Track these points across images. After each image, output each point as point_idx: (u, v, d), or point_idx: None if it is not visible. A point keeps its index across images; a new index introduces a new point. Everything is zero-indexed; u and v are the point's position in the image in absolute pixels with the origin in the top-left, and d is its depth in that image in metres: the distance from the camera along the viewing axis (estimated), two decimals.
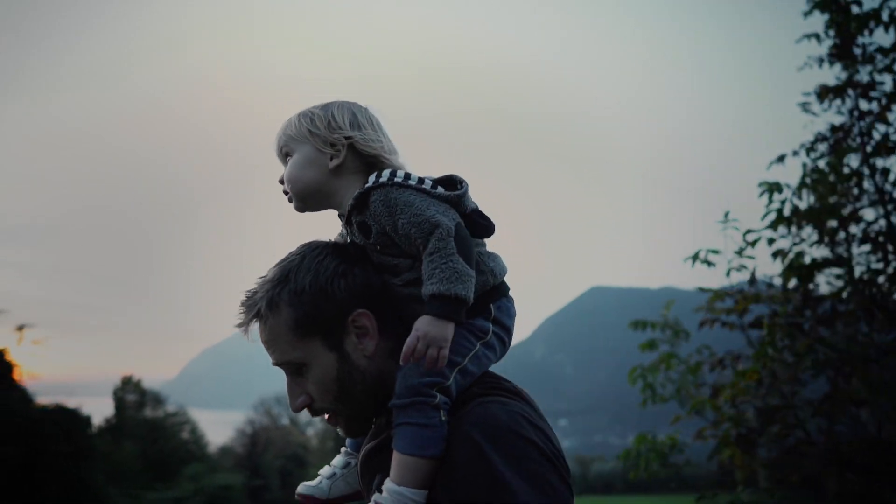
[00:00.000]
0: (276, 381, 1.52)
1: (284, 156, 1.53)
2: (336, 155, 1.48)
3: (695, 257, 5.21)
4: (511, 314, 1.49)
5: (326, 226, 1.60)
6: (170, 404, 32.05)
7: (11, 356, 18.24)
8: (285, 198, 1.53)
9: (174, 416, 31.27)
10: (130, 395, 29.77)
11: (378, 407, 1.46)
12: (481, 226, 1.45)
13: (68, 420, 19.31)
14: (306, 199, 1.50)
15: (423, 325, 1.32)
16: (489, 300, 1.44)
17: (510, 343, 1.50)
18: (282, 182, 1.53)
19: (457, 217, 1.38)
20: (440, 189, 1.41)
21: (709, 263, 5.19)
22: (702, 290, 5.48)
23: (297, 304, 1.40)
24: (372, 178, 1.42)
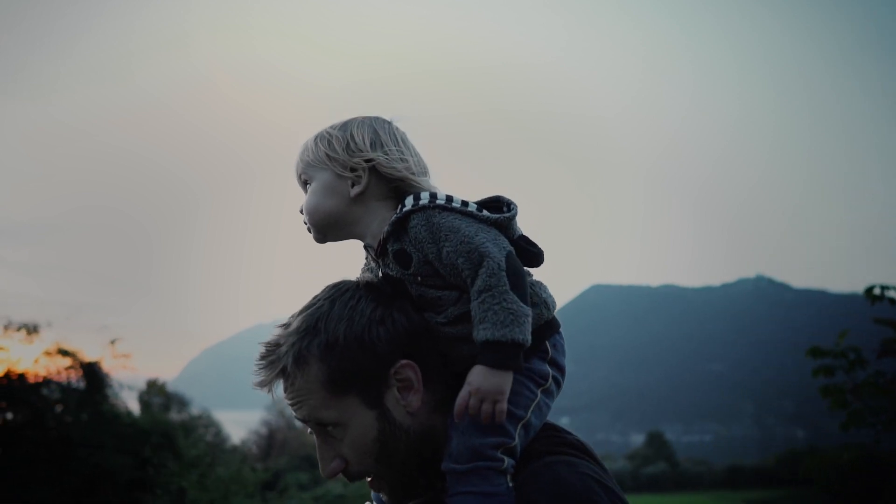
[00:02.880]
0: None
1: (304, 184, 1.39)
2: (357, 181, 1.32)
3: (869, 293, 4.96)
4: (565, 352, 1.34)
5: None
6: (193, 407, 31.84)
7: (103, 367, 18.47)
8: (301, 222, 1.39)
9: (199, 418, 31.08)
10: (156, 398, 29.57)
11: (427, 463, 1.29)
12: (531, 253, 1.29)
13: (170, 430, 19.58)
14: (326, 229, 1.36)
15: (477, 377, 1.17)
16: (545, 337, 1.29)
17: (564, 382, 1.34)
18: (302, 212, 1.38)
19: (507, 245, 1.22)
20: (486, 213, 1.25)
21: (892, 301, 4.92)
22: (878, 321, 5.26)
23: (330, 359, 1.23)
24: (409, 201, 1.26)
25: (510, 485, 1.18)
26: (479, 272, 1.18)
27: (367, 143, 1.34)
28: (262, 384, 1.28)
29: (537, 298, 1.28)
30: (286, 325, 1.30)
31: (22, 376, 16.21)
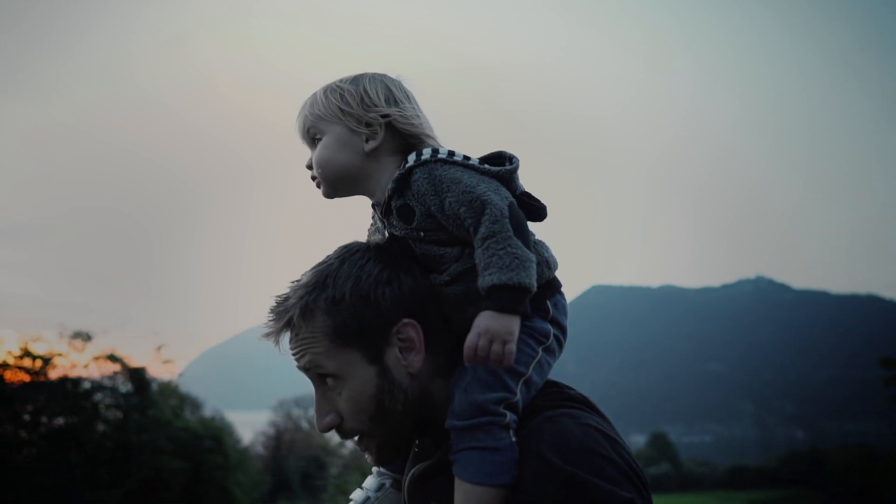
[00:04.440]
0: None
1: (312, 138, 1.38)
2: (373, 136, 1.33)
3: (886, 363, 5.11)
4: (566, 312, 1.35)
5: (334, 231, 1.50)
6: (207, 408, 31.73)
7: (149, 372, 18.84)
8: (313, 185, 1.39)
9: (212, 420, 31.18)
10: (171, 400, 29.43)
11: (421, 427, 1.32)
12: (533, 208, 1.30)
13: (219, 432, 19.70)
14: (337, 184, 1.36)
15: (485, 320, 1.17)
16: (546, 296, 1.30)
17: (565, 343, 1.35)
18: (309, 167, 1.39)
19: (509, 195, 1.24)
20: (488, 166, 1.27)
21: None
22: (884, 362, 5.34)
23: (335, 314, 1.25)
24: (412, 157, 1.28)
25: (513, 439, 1.18)
26: (482, 220, 1.19)
27: (382, 98, 1.34)
28: (269, 335, 1.30)
29: (539, 257, 1.28)
30: (297, 281, 1.32)
31: (76, 381, 16.64)
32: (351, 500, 1.49)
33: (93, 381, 17.11)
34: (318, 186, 1.38)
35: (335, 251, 1.35)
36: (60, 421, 16.39)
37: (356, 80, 1.37)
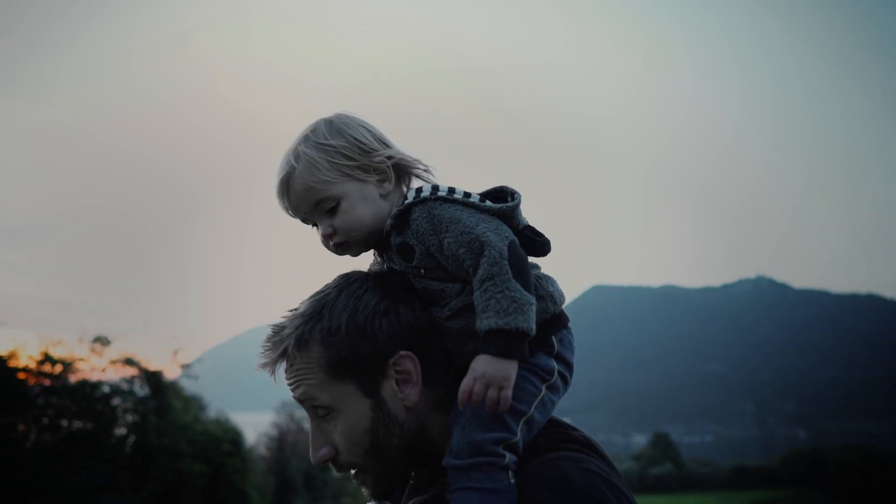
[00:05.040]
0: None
1: (325, 210, 1.31)
2: (385, 179, 1.32)
3: None
4: (573, 348, 1.32)
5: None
6: (211, 409, 31.69)
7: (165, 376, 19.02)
8: (328, 250, 1.34)
9: (216, 422, 31.13)
10: (175, 401, 29.38)
11: (417, 461, 1.30)
12: (536, 243, 1.28)
13: (236, 435, 19.87)
14: (370, 239, 1.33)
15: (481, 364, 1.15)
16: (551, 332, 1.27)
17: (571, 380, 1.32)
18: (329, 236, 1.32)
19: (510, 234, 1.22)
20: (489, 203, 1.25)
21: None
22: None
23: (330, 345, 1.24)
24: (411, 194, 1.27)
25: (512, 481, 1.17)
26: (480, 261, 1.17)
27: (373, 140, 1.32)
28: (265, 365, 1.29)
29: (543, 292, 1.27)
30: (294, 310, 1.32)
31: (96, 385, 16.87)
32: None
33: (112, 385, 17.30)
34: (343, 252, 1.35)
35: (334, 280, 1.34)
36: (80, 424, 16.57)
37: (335, 131, 1.32)
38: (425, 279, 1.28)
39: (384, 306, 1.26)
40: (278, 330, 1.30)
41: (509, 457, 1.18)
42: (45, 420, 16.25)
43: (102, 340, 17.37)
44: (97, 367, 17.31)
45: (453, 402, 1.24)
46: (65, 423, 16.49)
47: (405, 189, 1.36)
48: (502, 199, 1.29)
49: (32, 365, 16.25)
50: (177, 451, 16.73)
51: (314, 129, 1.33)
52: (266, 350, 1.30)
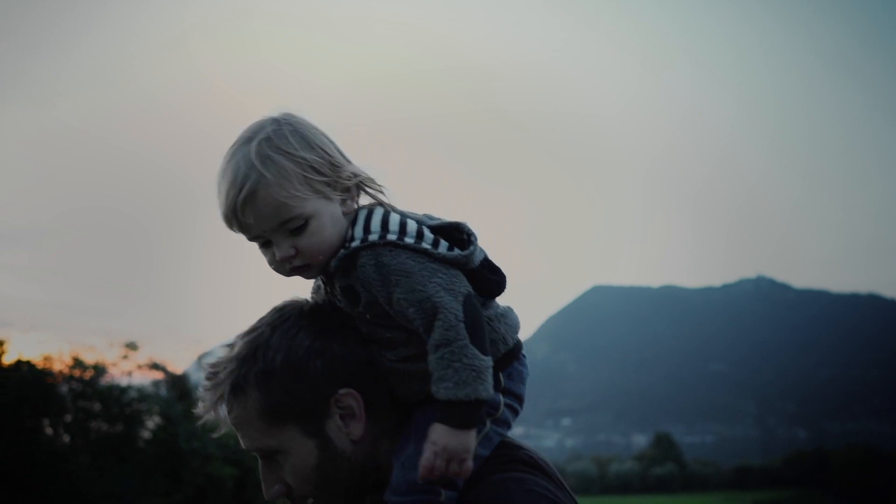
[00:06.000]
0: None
1: (289, 230, 1.18)
2: (349, 198, 1.23)
3: None
4: (524, 378, 1.30)
5: None
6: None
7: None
8: (287, 271, 1.23)
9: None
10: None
11: (368, 488, 1.29)
12: (492, 282, 1.24)
13: None
14: (328, 265, 1.22)
15: (440, 436, 1.11)
16: (498, 369, 1.23)
17: (522, 410, 1.30)
18: (289, 259, 1.20)
19: (465, 286, 1.16)
20: (443, 246, 1.17)
21: None
22: None
23: (266, 388, 1.22)
24: (359, 232, 1.19)
25: None
26: (434, 325, 1.12)
27: (338, 154, 1.23)
28: (205, 410, 1.27)
29: (495, 335, 1.23)
30: (231, 346, 1.29)
31: (124, 389, 17.00)
32: None
33: (139, 389, 17.47)
34: (298, 274, 1.24)
35: (268, 314, 1.29)
36: (108, 427, 16.76)
37: (301, 139, 1.19)
38: (371, 325, 1.23)
39: (319, 345, 1.24)
40: (214, 372, 1.27)
41: (445, 494, 1.17)
42: (75, 423, 16.40)
43: (132, 346, 17.64)
44: (125, 371, 17.61)
45: (399, 427, 1.25)
46: (94, 426, 16.69)
47: (356, 208, 1.25)
48: (458, 237, 1.20)
49: (64, 369, 16.43)
50: (206, 455, 16.86)
51: (277, 134, 1.18)
52: (206, 391, 1.27)
